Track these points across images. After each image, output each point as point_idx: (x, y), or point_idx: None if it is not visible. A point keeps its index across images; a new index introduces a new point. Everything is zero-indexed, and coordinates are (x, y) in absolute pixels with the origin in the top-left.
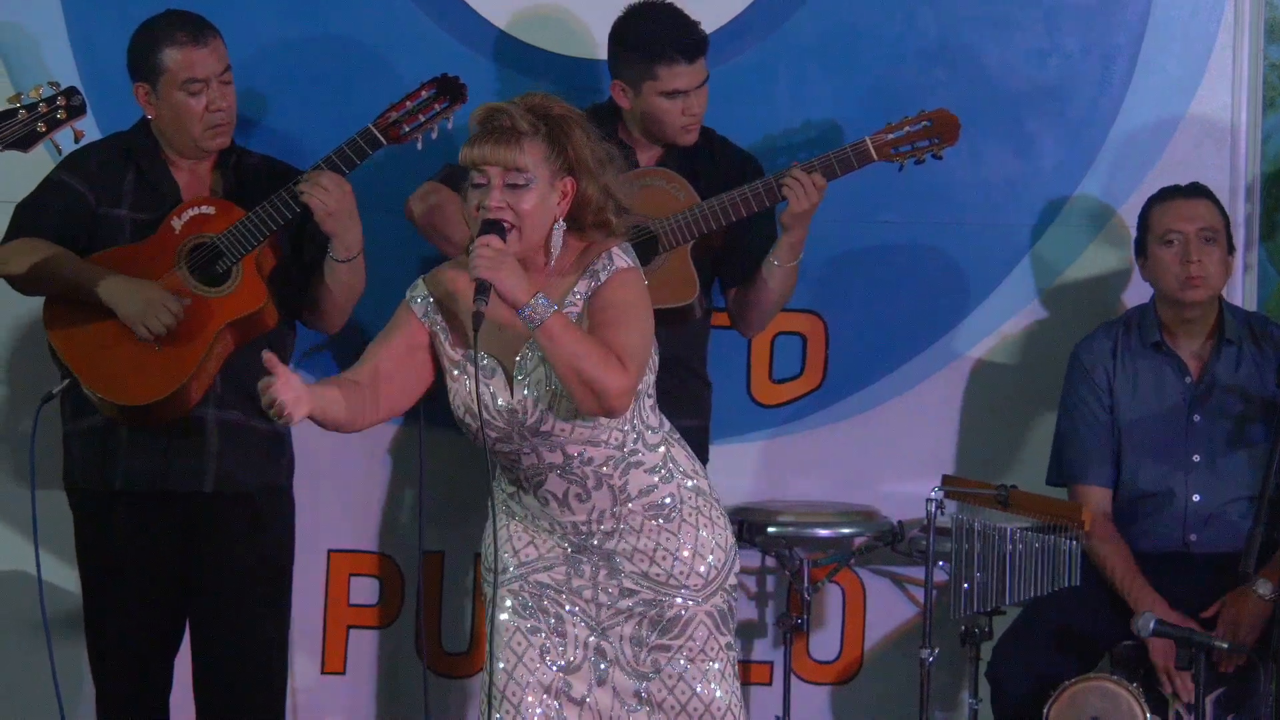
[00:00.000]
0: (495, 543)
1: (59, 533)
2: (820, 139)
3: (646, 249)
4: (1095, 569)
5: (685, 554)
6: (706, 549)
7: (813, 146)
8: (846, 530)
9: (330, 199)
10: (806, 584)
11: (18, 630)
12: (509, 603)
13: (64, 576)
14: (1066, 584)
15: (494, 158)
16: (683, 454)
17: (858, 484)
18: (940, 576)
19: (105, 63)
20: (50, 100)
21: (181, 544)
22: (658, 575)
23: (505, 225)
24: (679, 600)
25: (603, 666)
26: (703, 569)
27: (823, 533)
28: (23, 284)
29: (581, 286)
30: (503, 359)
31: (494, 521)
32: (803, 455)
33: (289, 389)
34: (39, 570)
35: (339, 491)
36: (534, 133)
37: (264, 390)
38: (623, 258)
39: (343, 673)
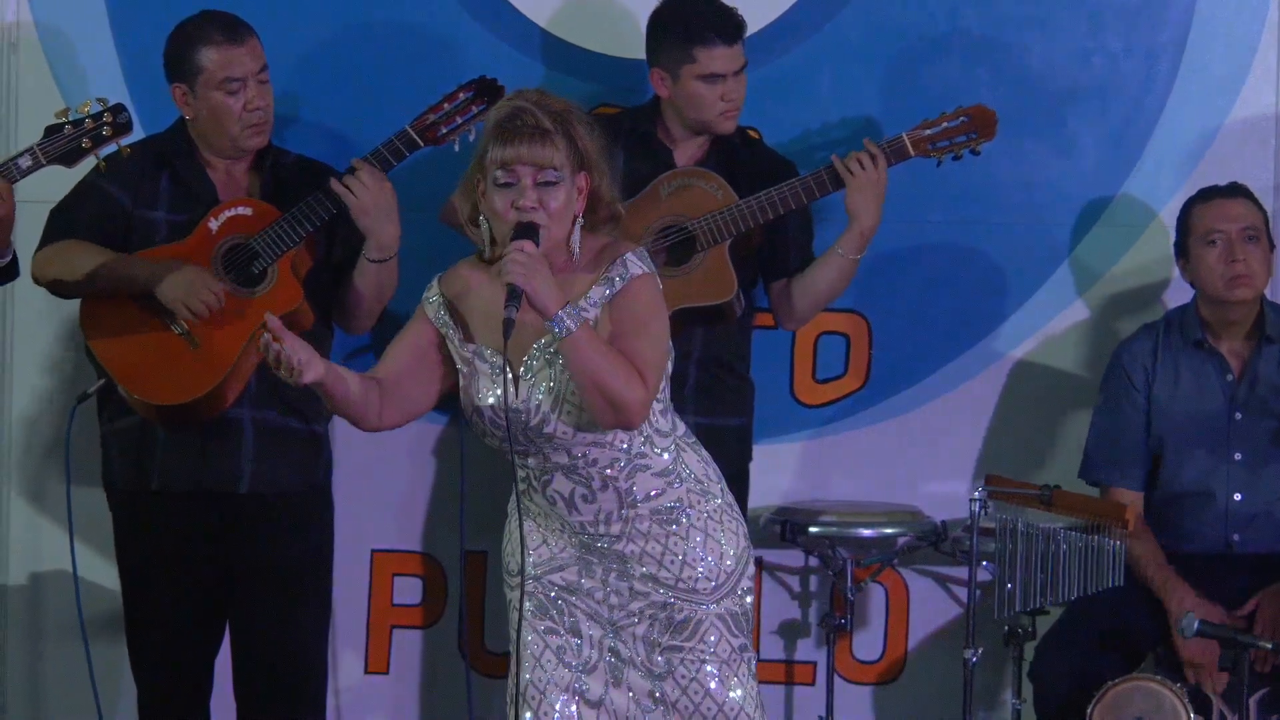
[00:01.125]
0: (509, 545)
1: (101, 533)
2: (862, 137)
3: (685, 248)
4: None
5: (693, 558)
6: (715, 553)
7: (855, 144)
8: (890, 530)
9: (366, 194)
10: (850, 584)
11: (61, 630)
12: (527, 605)
13: (107, 577)
14: (1110, 584)
15: (530, 157)
16: (694, 458)
17: (901, 484)
18: (983, 576)
19: (151, 68)
20: (97, 117)
21: (219, 544)
22: (666, 579)
23: (537, 227)
24: (689, 603)
25: (618, 667)
26: (712, 573)
27: (866, 533)
28: (63, 288)
29: (596, 293)
30: (512, 358)
31: (516, 524)
32: (846, 455)
33: (302, 349)
34: (74, 569)
35: (382, 492)
36: (556, 131)
37: (267, 347)
38: (638, 264)
39: (386, 673)
